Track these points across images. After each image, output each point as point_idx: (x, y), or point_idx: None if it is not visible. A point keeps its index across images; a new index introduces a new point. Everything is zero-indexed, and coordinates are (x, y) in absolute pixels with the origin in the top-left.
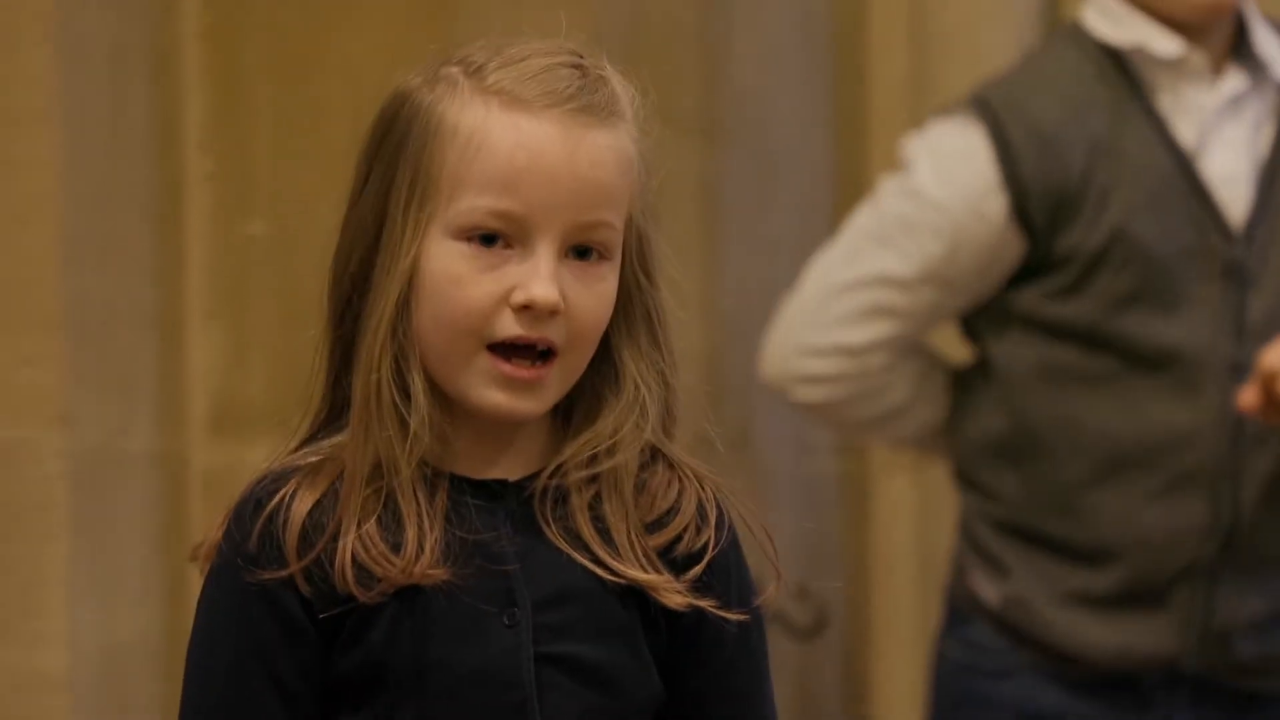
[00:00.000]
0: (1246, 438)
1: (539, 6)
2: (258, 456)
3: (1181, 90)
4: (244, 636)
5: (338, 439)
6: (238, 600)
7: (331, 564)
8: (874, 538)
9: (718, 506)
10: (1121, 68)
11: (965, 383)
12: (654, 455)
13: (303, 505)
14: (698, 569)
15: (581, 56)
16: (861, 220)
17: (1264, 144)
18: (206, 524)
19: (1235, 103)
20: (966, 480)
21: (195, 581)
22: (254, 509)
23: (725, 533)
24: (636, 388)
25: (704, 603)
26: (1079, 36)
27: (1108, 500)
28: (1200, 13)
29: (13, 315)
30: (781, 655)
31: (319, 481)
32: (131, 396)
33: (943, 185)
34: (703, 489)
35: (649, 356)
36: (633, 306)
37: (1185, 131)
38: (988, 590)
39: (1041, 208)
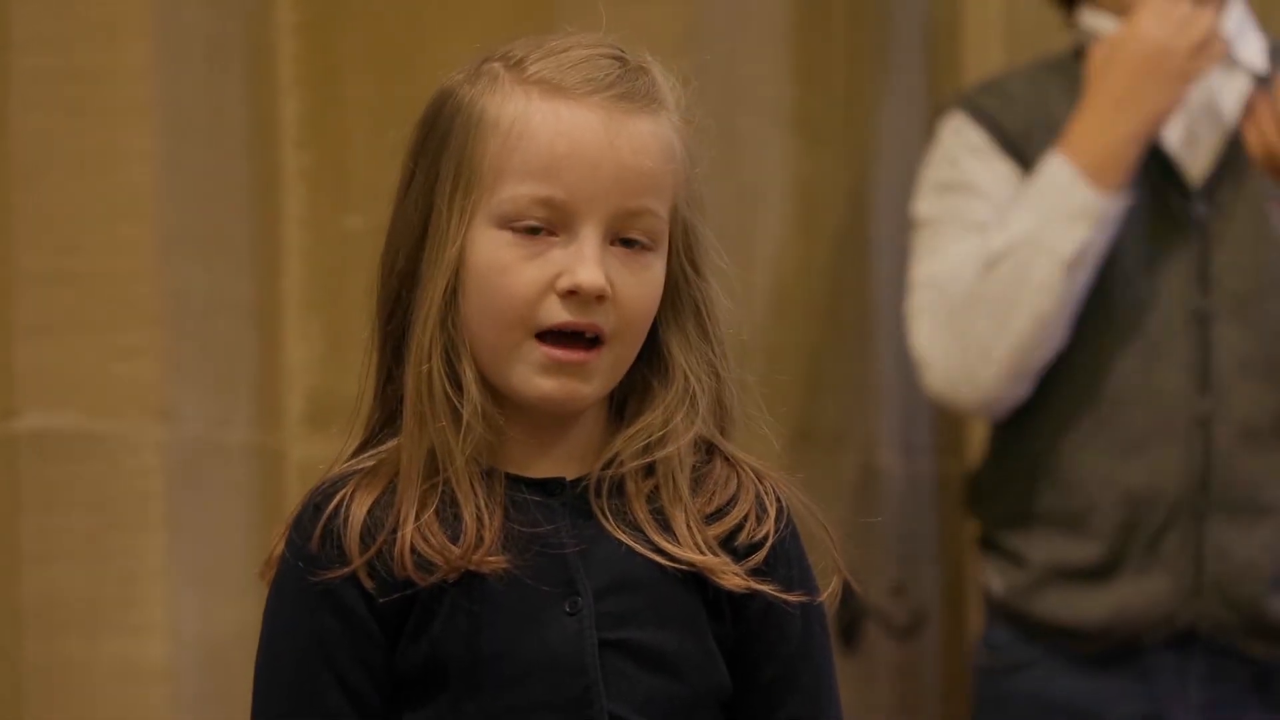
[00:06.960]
0: (1214, 384)
1: (639, 2)
2: None
3: None
4: (308, 637)
5: (392, 443)
6: (301, 603)
7: (391, 556)
8: (972, 537)
9: (777, 499)
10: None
11: None
12: (710, 451)
13: (361, 506)
14: (758, 556)
15: (622, 49)
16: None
17: (1227, 111)
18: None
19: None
20: (976, 496)
21: None
22: (313, 513)
23: (785, 523)
24: (686, 379)
25: (763, 586)
26: (1064, 57)
27: (1087, 461)
28: None
29: (113, 308)
30: (881, 654)
31: (376, 483)
32: (230, 390)
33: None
34: (761, 483)
35: (698, 348)
36: (680, 298)
37: None
38: (996, 583)
39: (1010, 139)
